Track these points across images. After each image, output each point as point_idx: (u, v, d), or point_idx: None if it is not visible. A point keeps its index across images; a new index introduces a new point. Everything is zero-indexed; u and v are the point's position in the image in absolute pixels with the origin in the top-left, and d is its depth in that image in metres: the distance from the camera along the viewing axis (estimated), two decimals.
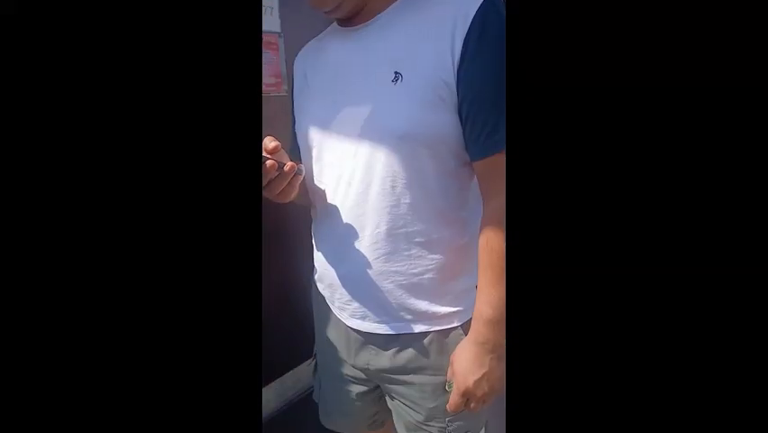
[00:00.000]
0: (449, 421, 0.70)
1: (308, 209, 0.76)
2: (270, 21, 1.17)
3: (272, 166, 0.54)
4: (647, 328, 0.30)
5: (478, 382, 0.59)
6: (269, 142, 0.56)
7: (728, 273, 0.29)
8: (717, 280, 0.29)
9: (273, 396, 1.29)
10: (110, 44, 0.30)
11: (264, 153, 0.56)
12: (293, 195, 0.63)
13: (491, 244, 0.56)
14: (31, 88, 0.29)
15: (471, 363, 0.59)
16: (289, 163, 0.57)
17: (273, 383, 1.29)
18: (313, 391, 0.92)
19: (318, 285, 0.77)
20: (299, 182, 0.62)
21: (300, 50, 0.75)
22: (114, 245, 0.31)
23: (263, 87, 1.17)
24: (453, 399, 0.62)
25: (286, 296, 1.25)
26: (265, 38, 1.16)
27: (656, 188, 0.30)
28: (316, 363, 0.88)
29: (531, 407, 0.32)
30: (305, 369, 1.34)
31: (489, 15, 0.52)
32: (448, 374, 0.65)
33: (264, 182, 0.57)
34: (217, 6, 0.32)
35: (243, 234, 0.33)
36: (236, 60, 0.33)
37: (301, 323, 0.87)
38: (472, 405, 0.61)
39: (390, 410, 0.78)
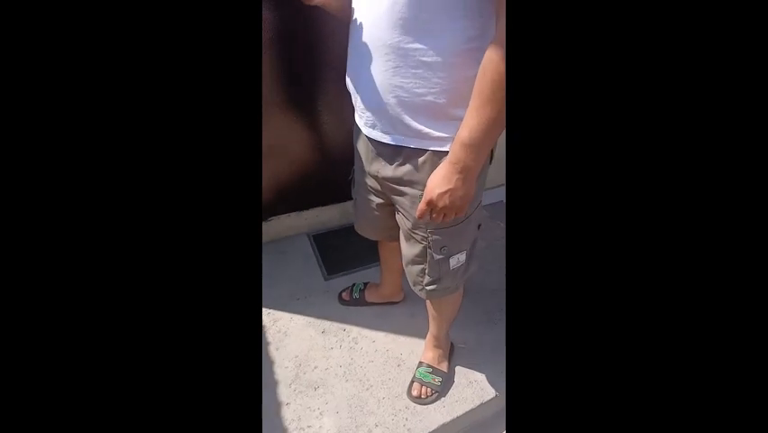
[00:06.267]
0: (429, 232, 0.81)
1: None
2: None
3: None
4: (646, 329, 0.30)
5: (441, 196, 0.66)
6: None
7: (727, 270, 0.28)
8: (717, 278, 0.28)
9: (338, 214, 1.73)
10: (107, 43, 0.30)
11: None
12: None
13: (485, 70, 0.57)
14: (19, 99, 0.29)
15: (440, 179, 0.66)
16: None
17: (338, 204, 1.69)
18: None
19: (349, 90, 0.82)
20: None
21: None
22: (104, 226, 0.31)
23: None
24: (420, 205, 0.71)
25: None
26: None
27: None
28: (354, 176, 0.99)
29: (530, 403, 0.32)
30: None
31: None
32: None
33: None
34: None
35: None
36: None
37: None
38: (434, 215, 0.70)
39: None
